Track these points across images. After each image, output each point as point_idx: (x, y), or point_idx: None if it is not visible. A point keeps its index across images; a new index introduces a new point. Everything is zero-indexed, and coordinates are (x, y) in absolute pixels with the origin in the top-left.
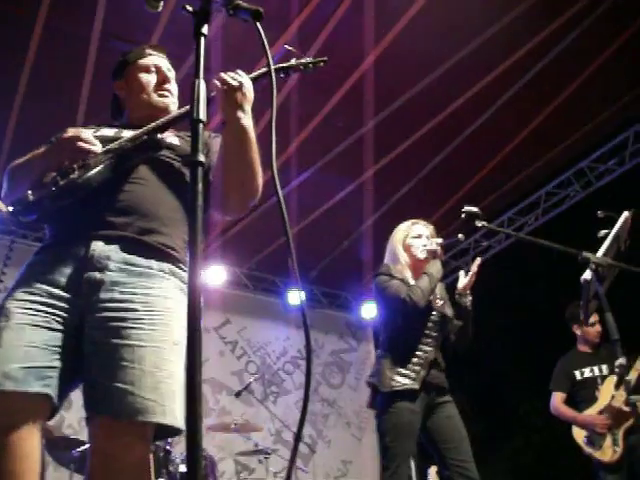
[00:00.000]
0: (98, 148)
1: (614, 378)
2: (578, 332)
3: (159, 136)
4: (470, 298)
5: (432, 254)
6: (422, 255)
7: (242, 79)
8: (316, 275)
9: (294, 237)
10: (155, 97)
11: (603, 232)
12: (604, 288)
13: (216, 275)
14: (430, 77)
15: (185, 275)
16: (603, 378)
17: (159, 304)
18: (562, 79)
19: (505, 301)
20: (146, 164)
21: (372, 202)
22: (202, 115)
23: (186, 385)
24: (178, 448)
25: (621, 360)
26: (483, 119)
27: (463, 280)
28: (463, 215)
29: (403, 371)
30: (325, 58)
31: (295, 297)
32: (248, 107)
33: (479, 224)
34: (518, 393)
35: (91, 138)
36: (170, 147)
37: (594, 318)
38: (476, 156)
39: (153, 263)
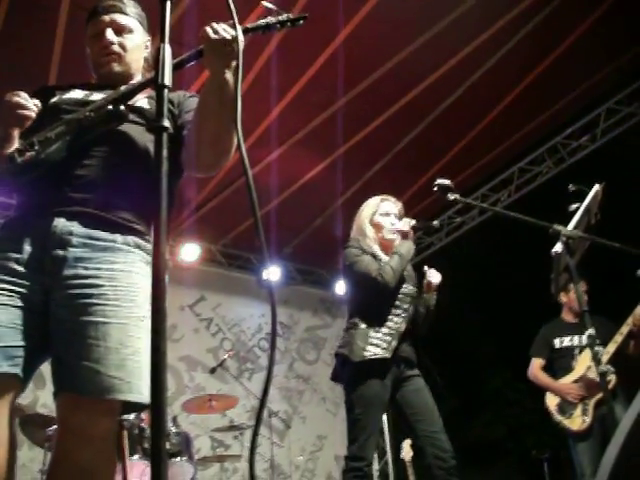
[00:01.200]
0: (31, 112)
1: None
2: (564, 300)
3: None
4: (435, 298)
5: (402, 234)
6: (391, 236)
7: (235, 33)
8: (291, 252)
9: (269, 213)
10: (100, 61)
11: (574, 206)
12: (575, 261)
13: (191, 252)
14: (404, 52)
15: (151, 248)
16: (582, 348)
17: (124, 279)
18: (535, 56)
19: (477, 277)
20: (110, 134)
21: (346, 178)
22: (167, 80)
23: (151, 355)
24: None
25: (590, 331)
26: (456, 96)
27: (429, 281)
28: (436, 188)
29: (375, 341)
30: (305, 14)
31: (271, 273)
32: (234, 63)
33: (451, 197)
34: (490, 368)
35: (25, 102)
36: (138, 111)
37: (582, 287)
38: (449, 133)
39: (117, 237)
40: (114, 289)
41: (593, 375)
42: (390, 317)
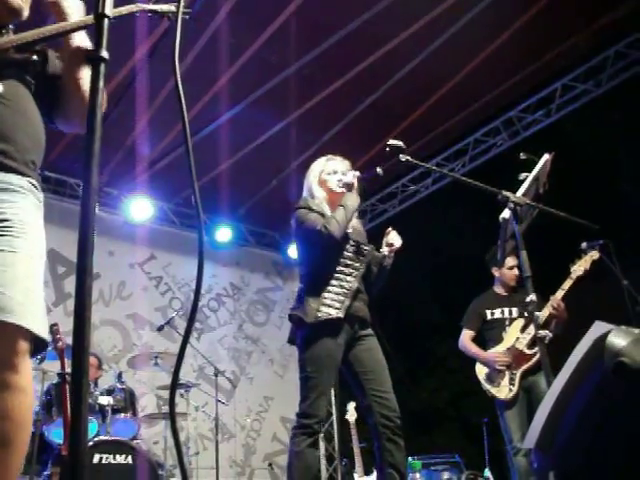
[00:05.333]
0: None
1: (522, 321)
2: (496, 274)
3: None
4: (391, 261)
5: (348, 187)
6: (338, 189)
7: None
8: (244, 213)
9: (222, 174)
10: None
11: (523, 175)
12: (522, 228)
13: (142, 209)
14: (363, 17)
15: (41, 195)
16: (512, 320)
17: (25, 218)
18: (494, 28)
19: (428, 245)
20: (9, 80)
21: (302, 141)
22: (108, 10)
23: (76, 293)
24: (101, 382)
25: (532, 297)
26: (414, 64)
27: (388, 244)
28: (388, 149)
29: (327, 301)
30: (189, 10)
31: (223, 235)
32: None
33: (403, 159)
34: (437, 335)
35: None
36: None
37: (513, 262)
38: (406, 101)
39: (13, 178)
40: (20, 224)
41: (521, 346)
42: (342, 277)
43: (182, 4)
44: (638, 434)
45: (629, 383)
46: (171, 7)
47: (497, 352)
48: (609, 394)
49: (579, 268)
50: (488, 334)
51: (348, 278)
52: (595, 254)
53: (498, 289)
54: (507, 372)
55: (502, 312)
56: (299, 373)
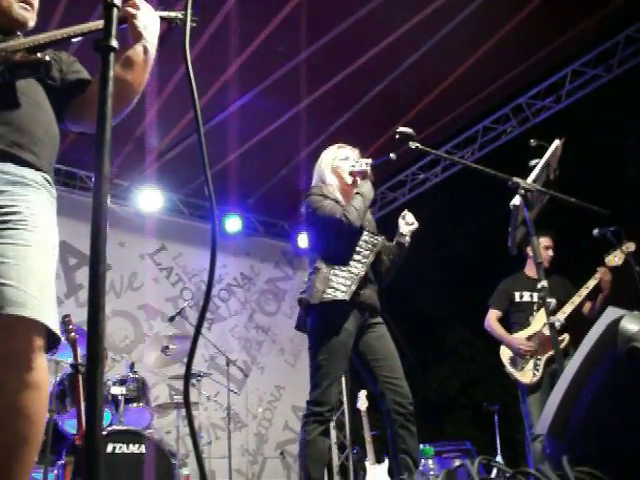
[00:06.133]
0: None
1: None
2: (530, 253)
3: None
4: (409, 240)
5: (362, 175)
6: (349, 177)
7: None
8: (253, 203)
9: (232, 163)
10: (17, 8)
11: (534, 161)
12: (533, 214)
13: (152, 200)
14: (370, 5)
15: (54, 191)
16: (540, 305)
17: (38, 211)
18: (504, 13)
19: (438, 233)
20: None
21: (310, 130)
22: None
23: (90, 274)
24: (112, 372)
25: (544, 282)
26: (422, 51)
27: (408, 224)
28: (397, 136)
29: (334, 284)
30: (195, 19)
31: (233, 225)
32: (147, 33)
33: (413, 146)
34: (447, 324)
35: None
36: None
37: (547, 242)
38: (414, 89)
39: (26, 172)
40: (32, 217)
41: (548, 332)
42: (351, 262)
43: (189, 11)
44: None
45: None
46: (178, 14)
47: (522, 338)
48: (622, 379)
49: (613, 259)
50: (515, 317)
51: (357, 265)
52: (631, 246)
53: (529, 271)
54: (532, 357)
55: (531, 296)
56: (310, 361)
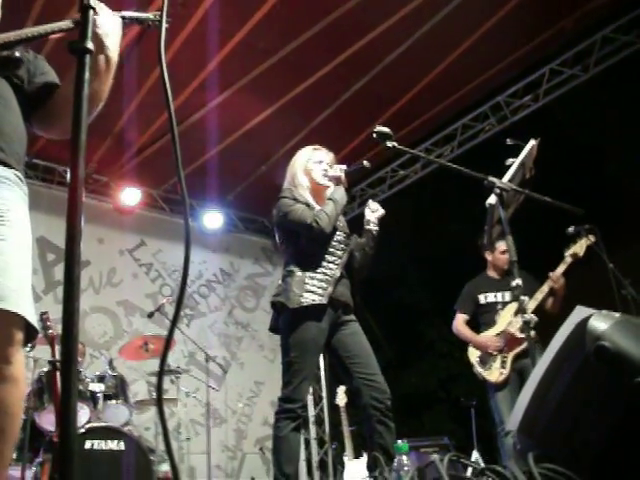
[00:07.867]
0: None
1: (515, 305)
2: (489, 258)
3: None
4: (377, 228)
5: (335, 180)
6: (323, 181)
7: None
8: (233, 199)
9: (211, 159)
10: None
11: (510, 160)
12: (508, 213)
13: (131, 196)
14: (352, 2)
15: (26, 188)
16: (505, 304)
17: (12, 207)
18: (482, 12)
19: (417, 230)
20: None
21: (290, 127)
22: (92, 1)
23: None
24: (90, 369)
25: (517, 281)
26: (402, 49)
27: (373, 211)
28: (375, 135)
29: (310, 287)
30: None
31: (212, 221)
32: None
33: (390, 145)
34: (425, 320)
35: None
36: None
37: (505, 246)
38: (394, 86)
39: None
40: (8, 213)
41: (513, 330)
42: (325, 264)
43: (165, 12)
44: (618, 418)
45: (610, 367)
46: (149, 15)
47: (489, 336)
48: (590, 378)
49: (573, 252)
50: (482, 318)
51: (331, 266)
52: (591, 238)
53: (491, 273)
54: (499, 355)
55: (495, 296)
56: (282, 358)
